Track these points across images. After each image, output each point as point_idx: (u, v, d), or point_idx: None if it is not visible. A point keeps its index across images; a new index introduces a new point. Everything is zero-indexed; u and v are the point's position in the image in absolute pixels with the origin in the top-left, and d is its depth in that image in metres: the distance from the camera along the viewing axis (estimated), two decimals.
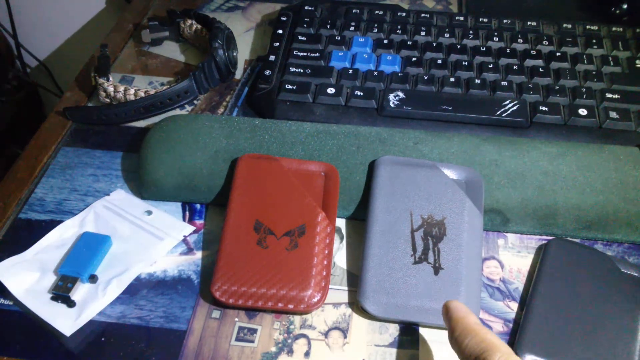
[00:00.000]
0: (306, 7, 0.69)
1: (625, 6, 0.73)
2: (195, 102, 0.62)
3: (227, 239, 0.47)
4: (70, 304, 0.45)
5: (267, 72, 0.62)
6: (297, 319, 0.45)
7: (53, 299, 0.45)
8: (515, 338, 0.44)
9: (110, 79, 0.62)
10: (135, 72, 0.66)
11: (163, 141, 0.53)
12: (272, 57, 0.63)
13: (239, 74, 0.66)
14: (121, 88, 0.60)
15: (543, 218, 0.49)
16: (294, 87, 0.59)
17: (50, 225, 0.50)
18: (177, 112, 0.61)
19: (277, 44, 0.65)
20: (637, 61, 0.61)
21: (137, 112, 0.59)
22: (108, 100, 0.61)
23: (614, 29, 0.65)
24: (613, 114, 0.56)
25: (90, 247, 0.48)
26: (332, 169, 0.51)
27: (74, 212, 0.52)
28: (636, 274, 0.46)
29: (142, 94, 0.59)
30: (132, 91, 0.59)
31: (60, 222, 0.51)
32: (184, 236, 0.50)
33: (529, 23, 0.66)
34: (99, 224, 0.50)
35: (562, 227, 0.49)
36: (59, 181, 0.55)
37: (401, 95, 0.58)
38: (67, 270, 0.46)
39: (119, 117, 0.59)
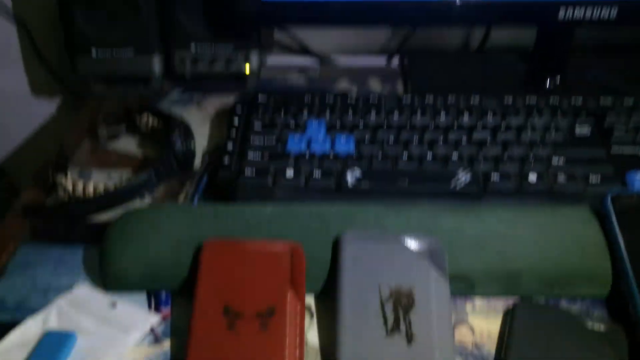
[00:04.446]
0: (259, 97, 0.71)
1: (557, 79, 0.78)
2: (155, 193, 0.63)
3: (197, 326, 0.46)
4: None
5: (226, 160, 0.63)
6: None
7: None
8: None
9: (68, 175, 0.62)
10: (93, 167, 0.67)
11: (125, 233, 0.53)
12: (229, 146, 0.65)
13: (197, 163, 0.67)
14: (80, 184, 0.60)
15: (507, 280, 0.51)
16: (253, 173, 0.60)
17: (12, 325, 0.49)
18: (138, 204, 0.61)
19: (234, 132, 0.66)
20: (577, 128, 0.65)
21: (98, 207, 0.59)
22: (67, 196, 0.60)
23: (551, 100, 0.69)
24: (561, 178, 0.59)
25: (55, 345, 0.46)
26: (297, 249, 0.51)
27: (36, 310, 0.50)
28: (601, 328, 0.47)
29: (101, 189, 0.59)
30: (91, 186, 0.60)
31: (22, 321, 0.49)
32: (151, 326, 0.49)
33: (472, 99, 0.69)
34: (62, 321, 0.49)
35: (526, 287, 0.51)
36: (19, 279, 0.53)
37: (358, 173, 0.60)
38: None
39: (78, 213, 0.59)
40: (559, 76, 0.78)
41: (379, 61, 0.89)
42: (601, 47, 0.87)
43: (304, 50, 0.90)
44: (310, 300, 0.51)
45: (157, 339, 0.48)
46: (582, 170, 0.60)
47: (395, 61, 0.88)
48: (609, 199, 0.53)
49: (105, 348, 0.47)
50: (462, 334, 0.49)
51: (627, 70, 0.80)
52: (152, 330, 0.49)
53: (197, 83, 0.80)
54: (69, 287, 0.52)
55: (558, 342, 0.46)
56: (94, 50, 0.77)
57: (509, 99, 0.69)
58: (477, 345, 0.48)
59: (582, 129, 0.65)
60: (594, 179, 0.59)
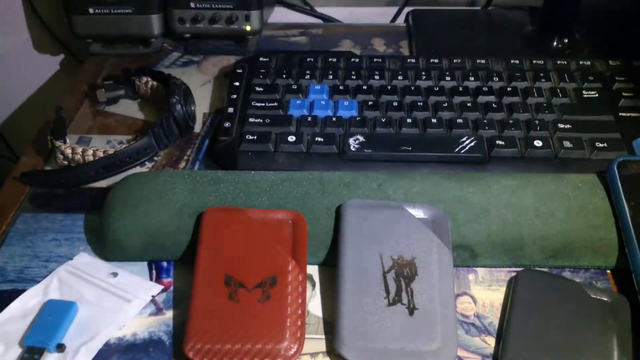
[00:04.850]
0: (261, 59, 0.70)
1: (566, 40, 0.76)
2: (155, 158, 0.62)
3: (198, 296, 0.46)
4: None
5: (227, 124, 0.62)
6: None
7: None
8: None
9: (67, 141, 0.61)
10: (93, 132, 0.66)
11: (125, 200, 0.52)
12: (230, 109, 0.63)
13: (198, 127, 0.66)
14: (79, 149, 0.59)
15: (510, 250, 0.50)
16: (255, 138, 0.59)
17: (12, 295, 0.49)
18: (138, 169, 0.60)
19: (235, 95, 0.65)
20: (584, 92, 0.63)
21: (97, 173, 0.59)
22: (66, 162, 0.60)
23: (559, 62, 0.67)
24: (567, 144, 0.58)
25: (56, 315, 0.46)
26: (299, 217, 0.51)
27: (37, 279, 0.50)
28: (605, 299, 0.47)
29: (101, 154, 0.59)
30: (90, 152, 0.59)
31: (22, 291, 0.49)
32: (152, 296, 0.49)
33: (478, 61, 0.68)
34: (63, 290, 0.49)
35: (529, 258, 0.50)
36: (19, 249, 0.53)
37: (361, 138, 0.59)
38: (33, 341, 0.44)
39: (78, 179, 0.58)
40: (567, 36, 0.76)
41: (384, 18, 0.87)
42: (611, 7, 0.85)
43: (307, 6, 0.87)
44: (312, 269, 0.51)
45: (159, 309, 0.48)
46: (589, 135, 0.59)
47: (400, 19, 0.86)
48: (615, 165, 0.52)
49: (106, 318, 0.47)
50: (464, 305, 0.49)
51: (638, 31, 0.78)
52: (153, 300, 0.49)
53: (197, 43, 0.78)
54: (69, 256, 0.52)
55: (561, 310, 0.46)
56: (91, 9, 0.75)
57: (515, 61, 0.68)
58: (478, 316, 0.48)
59: (590, 93, 0.63)
60: (601, 144, 0.58)
